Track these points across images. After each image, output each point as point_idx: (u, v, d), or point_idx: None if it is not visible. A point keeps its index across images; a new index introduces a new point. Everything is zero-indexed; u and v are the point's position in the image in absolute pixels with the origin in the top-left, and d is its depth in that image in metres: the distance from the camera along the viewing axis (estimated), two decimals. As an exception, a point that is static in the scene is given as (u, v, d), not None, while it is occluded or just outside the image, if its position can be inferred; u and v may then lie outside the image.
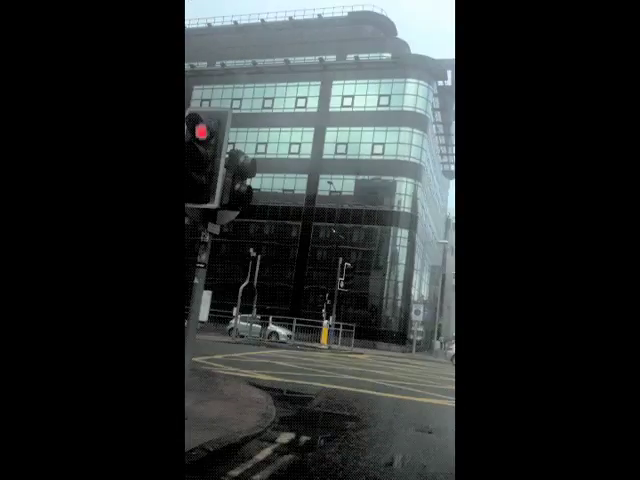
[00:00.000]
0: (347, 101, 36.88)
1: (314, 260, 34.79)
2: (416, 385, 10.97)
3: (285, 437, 4.90)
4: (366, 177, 36.03)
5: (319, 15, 39.67)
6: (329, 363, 14.61)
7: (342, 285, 23.78)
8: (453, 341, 59.22)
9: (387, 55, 36.68)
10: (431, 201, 46.24)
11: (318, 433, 5.58)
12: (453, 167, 56.14)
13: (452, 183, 63.96)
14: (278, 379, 9.57)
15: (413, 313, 32.27)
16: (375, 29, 39.12)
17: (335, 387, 9.09)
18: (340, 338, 23.50)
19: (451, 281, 72.60)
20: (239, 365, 11.12)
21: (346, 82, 36.50)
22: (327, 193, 34.65)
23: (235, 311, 21.53)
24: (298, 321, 23.44)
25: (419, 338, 34.40)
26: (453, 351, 54.14)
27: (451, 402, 8.82)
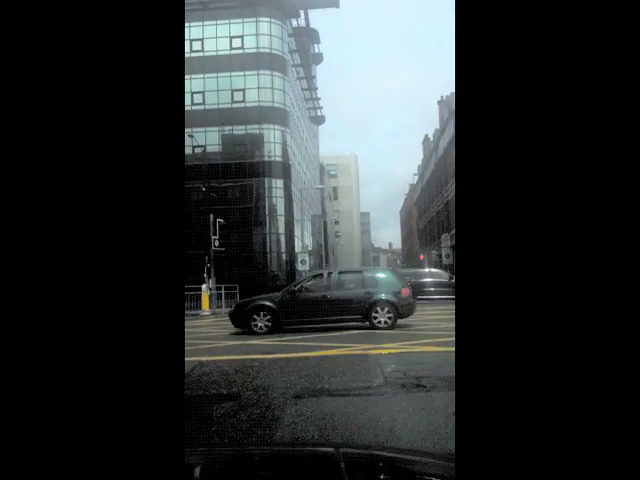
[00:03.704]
0: (196, 45, 33.68)
1: (189, 224, 32.20)
2: (305, 338, 10.00)
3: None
4: (230, 128, 33.76)
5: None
6: (210, 331, 13.07)
7: (217, 244, 21.91)
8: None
9: (233, -7, 33.85)
10: (302, 148, 45.34)
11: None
12: (319, 112, 55.54)
13: (321, 129, 63.77)
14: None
15: (299, 264, 31.85)
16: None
17: (214, 358, 7.74)
18: (224, 301, 21.81)
19: (332, 227, 74.25)
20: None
21: (192, 24, 33.08)
22: (190, 150, 31.78)
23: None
24: (175, 291, 21.19)
25: (308, 287, 34.11)
26: None
27: (347, 349, 7.97)
